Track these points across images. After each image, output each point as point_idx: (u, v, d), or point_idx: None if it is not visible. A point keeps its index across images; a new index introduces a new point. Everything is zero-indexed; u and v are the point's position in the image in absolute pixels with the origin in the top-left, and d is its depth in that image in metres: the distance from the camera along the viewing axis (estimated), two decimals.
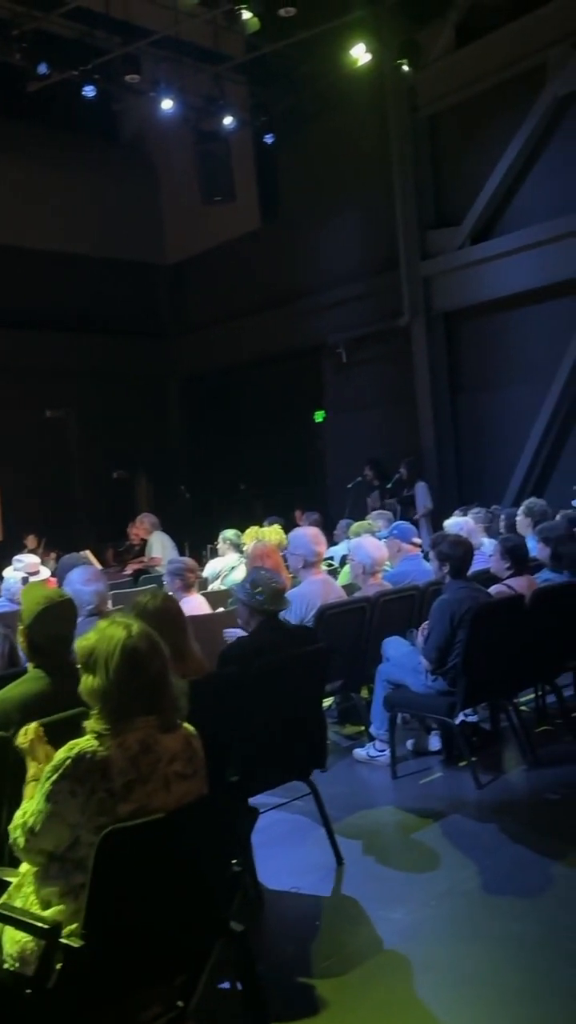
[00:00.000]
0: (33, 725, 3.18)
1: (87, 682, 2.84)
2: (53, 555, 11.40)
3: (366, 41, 12.52)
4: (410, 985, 3.58)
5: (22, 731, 3.18)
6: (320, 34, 12.45)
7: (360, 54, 12.60)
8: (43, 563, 9.31)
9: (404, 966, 3.70)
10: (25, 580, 7.86)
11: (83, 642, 2.88)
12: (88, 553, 11.02)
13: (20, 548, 11.51)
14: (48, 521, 14.52)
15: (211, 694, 4.24)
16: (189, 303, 18.75)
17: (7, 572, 8.30)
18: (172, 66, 13.46)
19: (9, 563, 8.49)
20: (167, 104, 13.37)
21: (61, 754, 2.75)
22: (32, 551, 10.94)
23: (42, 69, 12.43)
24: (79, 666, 2.89)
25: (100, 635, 2.84)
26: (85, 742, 2.76)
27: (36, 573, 9.37)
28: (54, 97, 13.44)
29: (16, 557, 8.58)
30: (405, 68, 13.04)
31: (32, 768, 3.08)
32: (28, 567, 8.28)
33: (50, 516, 15.00)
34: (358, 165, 15.03)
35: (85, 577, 5.49)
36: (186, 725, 2.97)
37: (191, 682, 4.14)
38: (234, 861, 3.04)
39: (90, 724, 2.81)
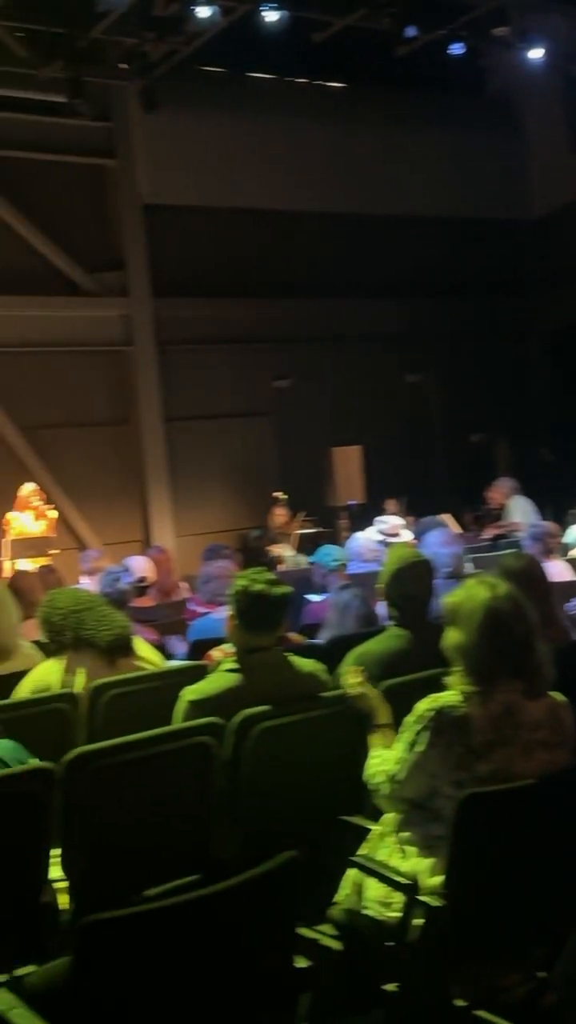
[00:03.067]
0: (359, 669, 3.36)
1: (450, 637, 2.85)
2: (412, 519, 11.53)
3: None
4: None
5: (352, 675, 3.30)
6: None
7: None
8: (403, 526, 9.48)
9: None
10: (382, 543, 8.03)
11: (450, 599, 2.90)
12: (447, 517, 11.06)
13: (381, 512, 11.72)
14: (408, 485, 14.67)
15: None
16: (555, 256, 17.99)
17: (358, 533, 8.51)
18: (540, 15, 13.00)
19: (371, 526, 8.69)
20: (536, 53, 12.92)
21: (424, 705, 2.77)
22: (393, 515, 11.12)
23: (410, 32, 12.44)
24: (445, 622, 2.90)
25: (467, 593, 2.83)
26: (448, 696, 2.77)
27: (396, 536, 9.58)
28: (419, 60, 13.39)
29: (378, 519, 8.78)
30: None
31: (383, 716, 3.15)
32: (390, 529, 8.45)
33: (410, 481, 15.13)
34: None
35: (442, 540, 5.53)
36: (554, 694, 2.87)
37: (557, 649, 4.03)
38: None
39: (453, 680, 2.82)
